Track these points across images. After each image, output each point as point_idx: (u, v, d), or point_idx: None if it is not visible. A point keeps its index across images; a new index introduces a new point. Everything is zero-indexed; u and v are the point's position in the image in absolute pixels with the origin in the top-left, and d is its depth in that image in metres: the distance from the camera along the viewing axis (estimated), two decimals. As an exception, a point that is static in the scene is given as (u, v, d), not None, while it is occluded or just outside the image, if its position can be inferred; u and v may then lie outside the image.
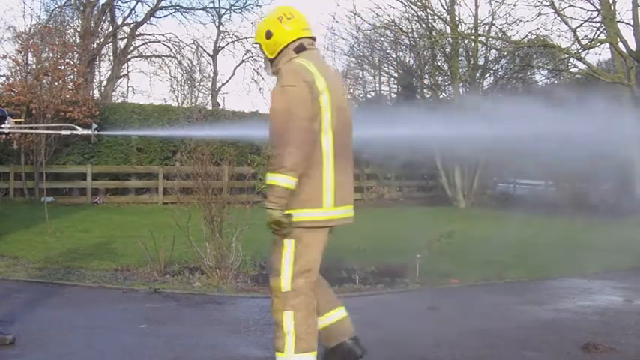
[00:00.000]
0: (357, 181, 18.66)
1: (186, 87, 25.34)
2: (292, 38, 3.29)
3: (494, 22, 17.81)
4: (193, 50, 25.89)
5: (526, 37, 17.05)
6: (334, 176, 3.15)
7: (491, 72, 19.28)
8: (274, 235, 3.21)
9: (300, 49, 3.28)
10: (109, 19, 24.86)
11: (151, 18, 25.02)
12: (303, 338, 3.12)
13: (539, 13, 16.68)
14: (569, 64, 17.03)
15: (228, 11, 27.47)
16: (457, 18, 17.81)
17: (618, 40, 15.21)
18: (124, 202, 15.83)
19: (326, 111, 3.16)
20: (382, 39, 20.29)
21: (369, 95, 22.23)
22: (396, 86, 22.26)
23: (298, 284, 3.15)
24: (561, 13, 15.92)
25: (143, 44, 25.99)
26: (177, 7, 25.58)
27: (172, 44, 25.33)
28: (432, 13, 17.82)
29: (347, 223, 3.31)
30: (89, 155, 16.10)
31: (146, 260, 6.75)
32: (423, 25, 18.34)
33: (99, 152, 16.23)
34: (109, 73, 25.06)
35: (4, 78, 16.59)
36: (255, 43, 3.47)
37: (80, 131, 4.39)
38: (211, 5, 35.81)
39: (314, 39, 3.39)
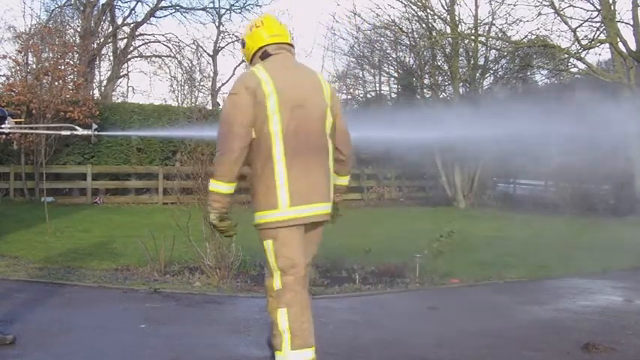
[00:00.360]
0: (357, 181, 18.67)
1: (186, 87, 25.37)
2: (258, 45, 3.45)
3: (494, 22, 17.82)
4: (193, 50, 25.94)
5: (526, 37, 17.04)
6: (288, 177, 3.22)
7: (491, 72, 19.29)
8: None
9: (265, 56, 3.42)
10: (109, 19, 24.87)
11: (151, 18, 25.05)
12: (298, 335, 3.19)
13: (539, 13, 16.73)
14: (569, 64, 17.03)
15: (228, 11, 27.58)
16: (457, 18, 17.81)
17: (618, 40, 15.20)
18: (124, 202, 15.83)
19: (274, 114, 3.22)
20: (382, 39, 20.30)
21: (369, 95, 22.24)
22: (396, 86, 22.27)
23: (288, 281, 3.24)
24: (561, 13, 15.91)
25: (143, 44, 26.02)
26: (177, 7, 25.60)
27: (172, 44, 25.38)
28: (432, 13, 17.81)
29: (317, 221, 3.34)
30: (89, 155, 16.10)
31: (146, 260, 6.75)
32: (423, 25, 18.33)
33: (99, 152, 16.23)
34: (109, 73, 25.08)
35: (4, 78, 16.62)
36: None
37: (80, 131, 4.38)
38: (211, 5, 35.81)
39: (288, 44, 3.48)
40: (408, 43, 19.49)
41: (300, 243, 3.29)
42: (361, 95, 22.24)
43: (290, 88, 3.29)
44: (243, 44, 3.54)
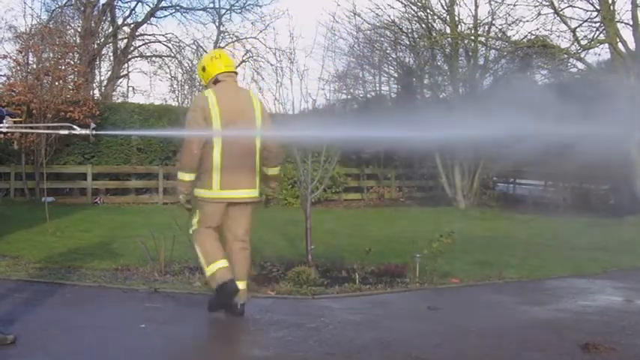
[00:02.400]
0: (358, 180, 18.67)
1: (187, 87, 25.33)
2: (215, 73, 4.82)
3: (493, 22, 17.78)
4: (193, 50, 25.89)
5: (526, 37, 17.02)
6: (221, 171, 4.62)
7: (491, 72, 19.25)
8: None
9: (216, 82, 4.80)
10: (109, 19, 24.89)
11: (151, 18, 25.06)
12: (208, 254, 4.72)
13: (539, 13, 16.61)
14: (569, 64, 17.00)
15: (228, 11, 27.36)
16: (457, 18, 17.79)
17: (618, 40, 15.18)
18: (124, 202, 15.82)
19: (216, 126, 4.56)
20: (382, 39, 20.25)
21: (369, 95, 22.21)
22: (396, 86, 22.23)
23: (199, 227, 4.82)
24: (561, 13, 15.89)
25: (143, 44, 26.01)
26: (178, 7, 25.61)
27: (172, 44, 25.36)
28: (431, 13, 17.80)
29: (241, 202, 4.75)
30: (89, 155, 16.09)
31: (146, 260, 6.75)
32: (423, 25, 18.31)
33: (99, 152, 16.23)
34: (110, 73, 25.07)
35: (4, 78, 16.61)
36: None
37: (78, 130, 4.37)
38: (211, 5, 35.66)
39: (234, 72, 4.89)
40: (408, 43, 19.48)
41: (217, 214, 4.74)
42: (361, 95, 22.19)
43: (228, 106, 4.62)
44: (204, 70, 4.89)
